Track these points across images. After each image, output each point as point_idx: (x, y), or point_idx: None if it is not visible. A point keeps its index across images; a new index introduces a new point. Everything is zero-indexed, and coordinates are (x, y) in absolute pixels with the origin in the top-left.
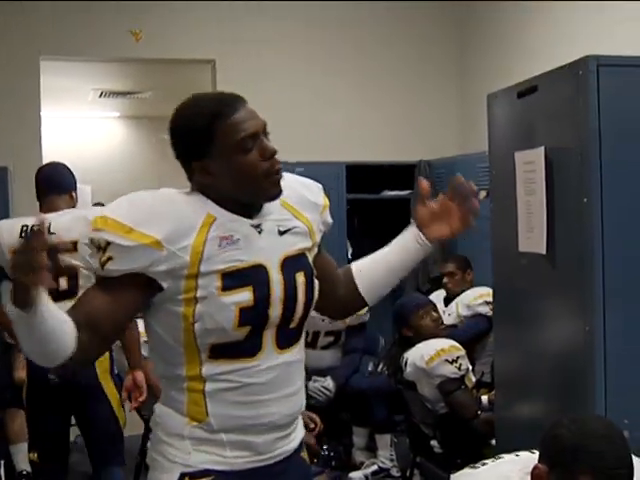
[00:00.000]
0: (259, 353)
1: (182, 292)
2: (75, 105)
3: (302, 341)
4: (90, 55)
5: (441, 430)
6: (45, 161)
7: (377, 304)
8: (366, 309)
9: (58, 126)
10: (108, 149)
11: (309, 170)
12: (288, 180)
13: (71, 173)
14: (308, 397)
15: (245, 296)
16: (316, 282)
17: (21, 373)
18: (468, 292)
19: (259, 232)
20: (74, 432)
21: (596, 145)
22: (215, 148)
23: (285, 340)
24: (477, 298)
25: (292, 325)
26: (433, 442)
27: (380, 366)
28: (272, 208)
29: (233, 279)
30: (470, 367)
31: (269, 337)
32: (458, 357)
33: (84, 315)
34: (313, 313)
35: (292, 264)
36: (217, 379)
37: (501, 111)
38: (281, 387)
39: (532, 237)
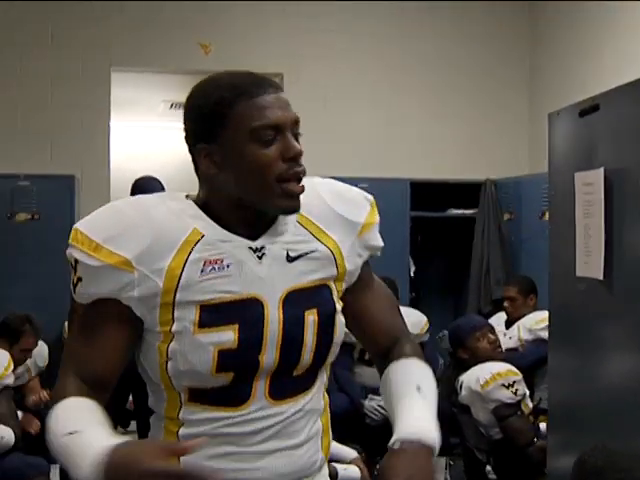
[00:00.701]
0: (246, 403)
1: (158, 323)
2: (146, 116)
3: (318, 387)
4: (160, 67)
5: (495, 456)
6: (113, 171)
7: (437, 324)
8: (426, 329)
9: (128, 136)
10: (178, 159)
11: (373, 186)
12: (318, 187)
13: (162, 186)
14: (364, 416)
15: (226, 336)
16: (339, 321)
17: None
18: (531, 315)
19: (259, 257)
20: None
21: None
22: (227, 131)
23: (282, 391)
24: (539, 322)
25: (296, 373)
26: (488, 468)
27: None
28: (285, 226)
29: (214, 314)
30: (527, 392)
31: (260, 386)
32: (515, 382)
33: (84, 379)
34: None
35: (301, 299)
36: (194, 424)
37: (563, 130)
38: (276, 438)
39: (590, 262)
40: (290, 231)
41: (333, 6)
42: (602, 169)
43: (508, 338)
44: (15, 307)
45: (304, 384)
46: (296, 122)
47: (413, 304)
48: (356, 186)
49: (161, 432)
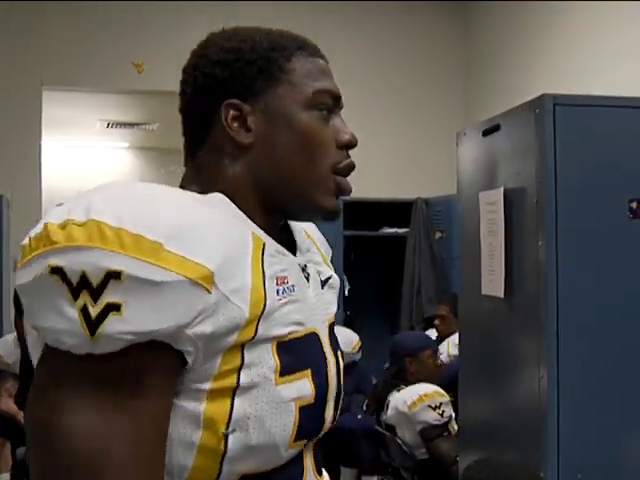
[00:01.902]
0: None
1: (212, 377)
2: (82, 135)
3: None
4: (93, 86)
5: (420, 476)
6: (46, 191)
7: (370, 342)
8: (358, 347)
9: (64, 156)
10: (116, 179)
11: None
12: None
13: None
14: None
15: (305, 387)
16: None
17: (7, 402)
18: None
19: (307, 278)
20: None
21: (552, 187)
22: (277, 88)
23: (319, 461)
24: None
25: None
26: None
27: (364, 405)
28: (307, 241)
29: (289, 356)
30: (453, 414)
31: (309, 457)
32: (441, 403)
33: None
34: None
35: (333, 337)
36: None
37: (469, 149)
38: None
39: (493, 280)
40: (312, 249)
41: (263, 19)
42: (502, 188)
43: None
44: None
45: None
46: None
47: (347, 323)
48: None
49: None
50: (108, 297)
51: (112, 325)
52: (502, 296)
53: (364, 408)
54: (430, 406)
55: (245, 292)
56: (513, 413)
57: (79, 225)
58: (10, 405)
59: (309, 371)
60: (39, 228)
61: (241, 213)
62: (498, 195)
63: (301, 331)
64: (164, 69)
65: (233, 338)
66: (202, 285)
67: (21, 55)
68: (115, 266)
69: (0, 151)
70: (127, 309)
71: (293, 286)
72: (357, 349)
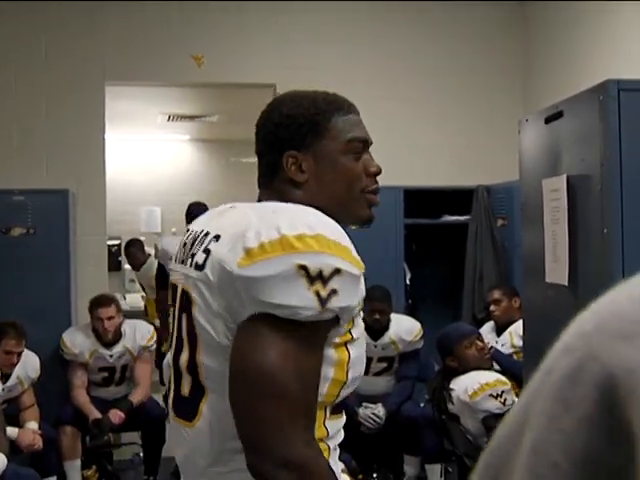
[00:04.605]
0: (343, 410)
1: (341, 333)
2: (144, 128)
3: None
4: (154, 80)
5: None
6: (109, 183)
7: (432, 330)
8: (420, 335)
9: (126, 149)
10: (178, 171)
11: None
12: None
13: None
14: (358, 424)
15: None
16: None
17: (79, 393)
18: (521, 321)
19: None
20: (132, 450)
21: (617, 173)
22: (322, 141)
23: None
24: None
25: None
26: None
27: (426, 393)
28: None
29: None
30: (516, 401)
31: None
32: (503, 391)
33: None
34: (365, 338)
35: None
36: (333, 438)
37: (531, 137)
38: None
39: (557, 268)
40: None
41: (325, 17)
42: (564, 175)
43: (501, 345)
44: None
45: None
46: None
47: (409, 311)
48: None
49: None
50: (332, 285)
51: (333, 303)
52: (566, 284)
53: (426, 396)
54: (492, 395)
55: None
56: None
57: (311, 237)
58: (82, 396)
59: None
60: (273, 236)
61: None
62: (561, 182)
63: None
64: (223, 62)
65: (357, 310)
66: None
67: (84, 52)
68: (339, 265)
69: (66, 146)
70: (340, 294)
71: None
72: (419, 337)
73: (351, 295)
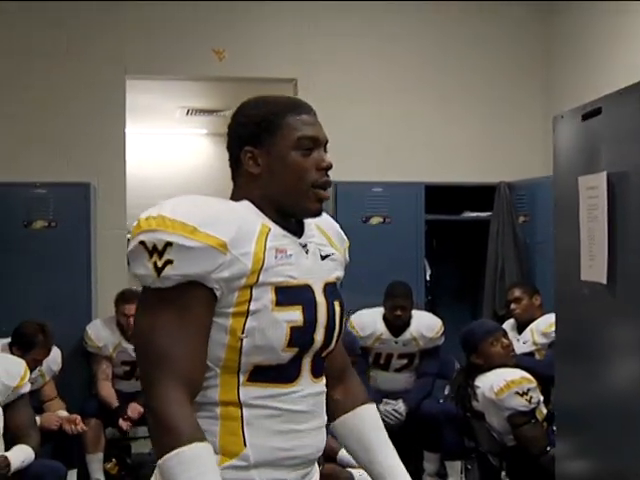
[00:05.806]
0: (297, 379)
1: (233, 304)
2: (162, 122)
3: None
4: (175, 74)
5: (509, 462)
6: (128, 177)
7: (453, 327)
8: (441, 332)
9: (145, 143)
10: (195, 165)
11: (387, 190)
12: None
13: None
14: None
15: (296, 315)
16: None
17: (103, 386)
18: (542, 318)
19: (306, 252)
20: (149, 443)
21: None
22: (275, 139)
23: (319, 369)
24: (553, 325)
25: (323, 354)
26: (503, 474)
27: (446, 390)
28: (313, 231)
29: (285, 295)
30: (542, 399)
31: (307, 364)
32: (529, 389)
33: (184, 383)
34: (386, 335)
35: (331, 291)
36: (256, 405)
37: (567, 133)
38: (315, 417)
39: (594, 266)
40: (317, 235)
41: (346, 11)
42: (604, 173)
43: (522, 343)
44: (32, 314)
45: (324, 365)
46: (326, 142)
47: (429, 308)
48: (371, 190)
49: (216, 423)
50: (166, 256)
51: (167, 272)
52: (604, 282)
53: (445, 393)
54: (518, 392)
55: (250, 255)
56: (613, 401)
57: (154, 218)
58: (106, 389)
59: (300, 306)
60: (136, 221)
61: (258, 211)
62: (600, 179)
63: (294, 282)
64: (244, 56)
65: (242, 281)
66: (218, 249)
67: (105, 46)
68: (168, 239)
69: (87, 140)
70: (175, 263)
71: (291, 255)
72: (440, 334)
73: (189, 265)
